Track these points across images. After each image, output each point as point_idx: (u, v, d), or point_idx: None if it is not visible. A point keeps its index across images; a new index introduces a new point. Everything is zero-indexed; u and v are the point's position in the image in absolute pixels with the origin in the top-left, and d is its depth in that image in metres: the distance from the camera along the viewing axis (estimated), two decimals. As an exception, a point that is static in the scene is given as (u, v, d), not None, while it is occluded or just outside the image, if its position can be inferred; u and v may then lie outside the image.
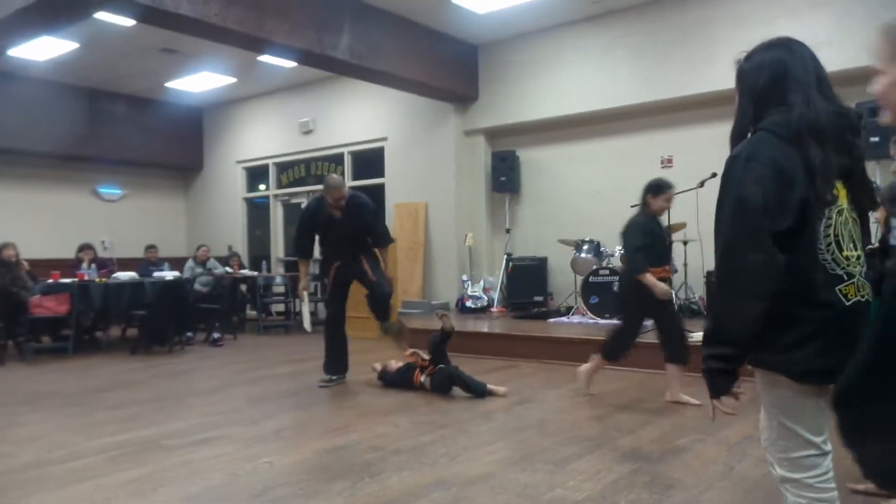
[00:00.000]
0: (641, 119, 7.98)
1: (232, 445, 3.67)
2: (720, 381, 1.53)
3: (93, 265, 7.86)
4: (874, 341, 1.20)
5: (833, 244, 1.50)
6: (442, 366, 4.85)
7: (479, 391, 4.68)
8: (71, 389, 5.37)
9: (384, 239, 5.42)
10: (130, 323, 8.27)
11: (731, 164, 1.55)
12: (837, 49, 5.69)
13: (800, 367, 1.49)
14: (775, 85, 1.59)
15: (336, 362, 5.33)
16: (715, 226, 1.58)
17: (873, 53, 1.04)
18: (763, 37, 1.74)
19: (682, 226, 6.59)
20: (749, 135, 1.63)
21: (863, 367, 1.21)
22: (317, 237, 5.43)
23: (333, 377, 5.30)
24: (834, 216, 1.50)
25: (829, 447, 1.58)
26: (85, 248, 8.27)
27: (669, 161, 7.80)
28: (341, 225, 5.24)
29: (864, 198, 1.62)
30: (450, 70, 8.59)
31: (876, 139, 5.83)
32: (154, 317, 7.33)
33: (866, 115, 2.87)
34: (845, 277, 1.50)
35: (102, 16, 6.68)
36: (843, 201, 1.54)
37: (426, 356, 4.96)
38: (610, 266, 7.17)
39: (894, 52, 0.98)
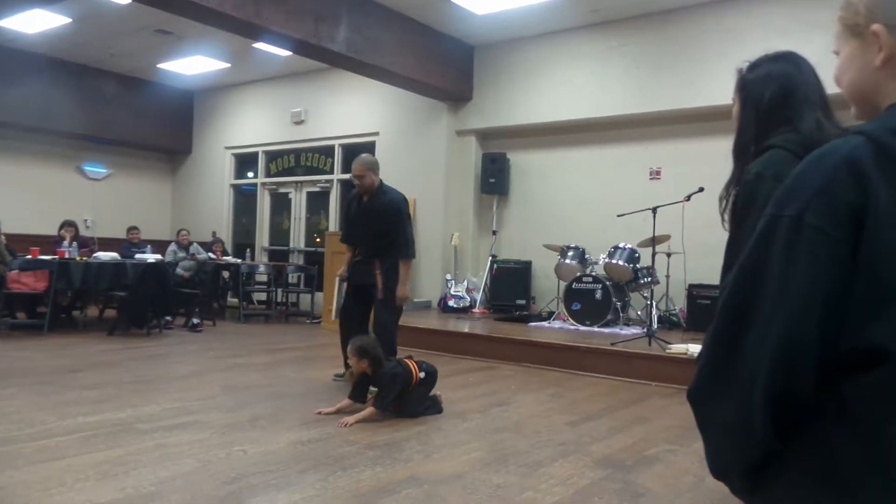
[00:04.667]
0: (633, 129, 8.04)
1: (206, 432, 3.65)
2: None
3: (74, 243, 7.78)
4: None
5: None
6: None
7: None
8: (45, 367, 5.31)
9: (401, 250, 4.76)
10: (109, 303, 8.20)
11: (755, 181, 1.41)
12: (829, 71, 5.77)
13: None
14: (782, 100, 1.52)
15: (344, 359, 4.91)
16: (729, 248, 1.39)
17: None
18: (756, 54, 1.72)
19: (666, 238, 6.65)
20: (752, 149, 1.53)
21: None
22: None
23: (342, 373, 5.00)
24: None
25: None
26: (67, 225, 8.17)
27: (658, 173, 7.87)
28: (364, 211, 4.87)
29: None
30: (445, 69, 8.59)
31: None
32: (134, 299, 7.26)
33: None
34: None
35: (98, -8, 6.62)
36: None
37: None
38: (593, 274, 7.21)
39: (848, 28, 0.88)
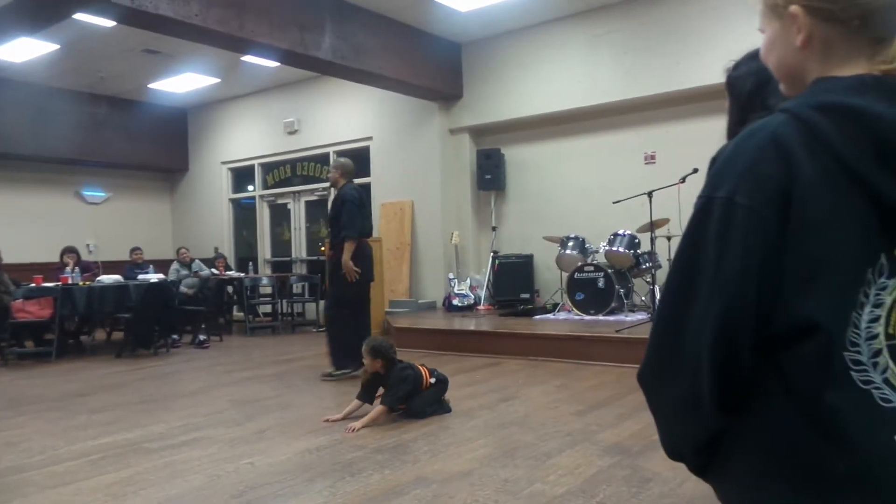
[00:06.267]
0: (625, 115, 8.02)
1: (214, 446, 3.66)
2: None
3: (76, 268, 7.81)
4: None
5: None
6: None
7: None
8: (53, 393, 5.34)
9: (343, 230, 5.42)
10: (115, 326, 8.23)
11: (709, 166, 1.54)
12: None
13: None
14: (759, 91, 1.61)
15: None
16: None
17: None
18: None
19: (665, 221, 6.63)
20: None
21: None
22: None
23: (329, 372, 5.55)
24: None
25: None
26: (68, 251, 8.21)
27: (653, 157, 7.85)
28: (330, 206, 5.74)
29: None
30: (434, 69, 8.59)
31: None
32: (139, 319, 7.29)
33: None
34: None
35: (82, 17, 6.64)
36: None
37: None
38: (595, 262, 7.19)
39: (769, 9, 0.89)
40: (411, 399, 4.11)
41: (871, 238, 0.77)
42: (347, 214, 5.45)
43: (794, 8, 0.85)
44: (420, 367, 4.22)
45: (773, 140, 0.79)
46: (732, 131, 1.66)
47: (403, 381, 4.07)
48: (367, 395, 4.16)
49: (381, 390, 4.18)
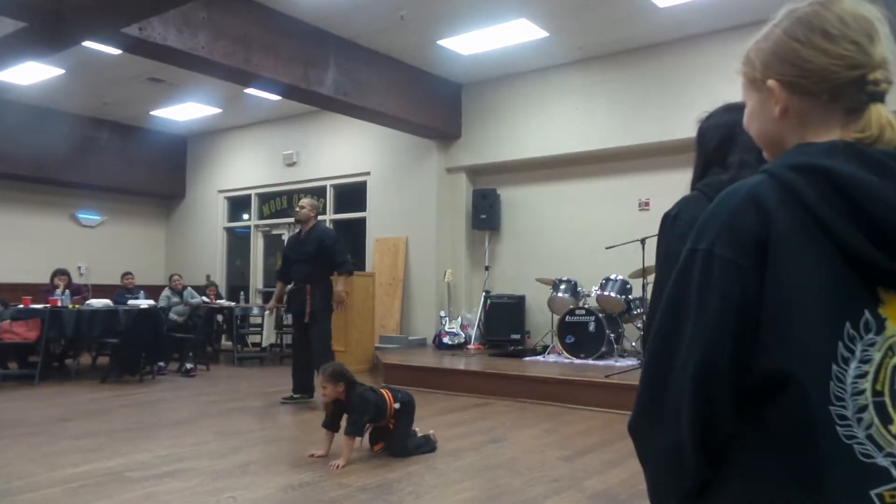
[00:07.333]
0: (620, 162, 8.14)
1: (197, 479, 3.61)
2: None
3: (66, 291, 7.77)
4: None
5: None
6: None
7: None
8: (35, 418, 5.26)
9: (342, 266, 5.78)
10: (102, 351, 8.15)
11: (662, 221, 1.54)
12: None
13: None
14: (722, 146, 1.62)
15: (294, 383, 6.01)
16: (652, 293, 1.48)
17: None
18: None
19: (657, 268, 6.67)
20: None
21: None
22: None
23: (289, 396, 5.97)
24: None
25: None
26: (59, 273, 8.17)
27: (647, 204, 7.93)
28: (302, 241, 5.89)
29: None
30: (434, 108, 8.72)
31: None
32: (126, 345, 7.22)
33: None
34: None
35: (90, 44, 6.73)
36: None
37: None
38: (586, 306, 7.21)
39: (751, 80, 0.95)
40: (385, 436, 4.10)
41: (848, 292, 0.79)
42: (342, 252, 5.84)
43: (770, 82, 0.91)
44: (382, 391, 4.17)
45: (752, 197, 0.83)
46: (694, 184, 1.68)
47: (365, 402, 3.99)
48: (332, 424, 4.10)
49: (345, 417, 4.08)
